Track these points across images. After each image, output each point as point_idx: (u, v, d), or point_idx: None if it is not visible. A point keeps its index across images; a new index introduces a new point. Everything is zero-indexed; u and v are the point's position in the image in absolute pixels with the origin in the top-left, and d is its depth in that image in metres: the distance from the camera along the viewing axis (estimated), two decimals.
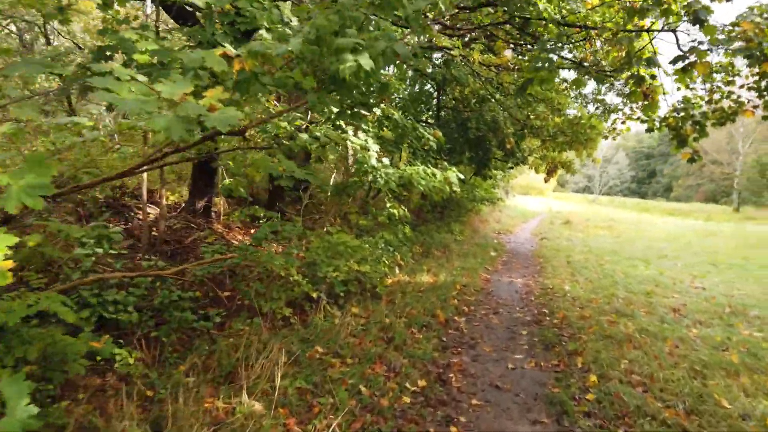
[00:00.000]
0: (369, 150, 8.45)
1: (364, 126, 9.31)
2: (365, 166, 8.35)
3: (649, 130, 7.37)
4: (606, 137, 8.26)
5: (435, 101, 15.12)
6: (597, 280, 9.83)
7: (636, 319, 6.69)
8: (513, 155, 14.44)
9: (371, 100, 4.73)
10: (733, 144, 47.82)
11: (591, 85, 11.55)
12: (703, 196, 62.97)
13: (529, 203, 38.14)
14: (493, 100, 12.33)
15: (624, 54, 4.87)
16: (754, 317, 7.19)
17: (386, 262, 8.90)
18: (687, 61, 3.54)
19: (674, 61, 3.62)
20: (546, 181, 16.09)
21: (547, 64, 3.96)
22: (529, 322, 6.83)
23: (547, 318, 6.92)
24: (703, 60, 3.47)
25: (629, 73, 4.53)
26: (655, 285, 9.72)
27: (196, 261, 5.40)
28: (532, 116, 12.11)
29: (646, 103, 5.10)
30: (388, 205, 9.61)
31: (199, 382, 3.80)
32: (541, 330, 6.33)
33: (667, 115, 7.19)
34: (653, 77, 4.85)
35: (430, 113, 15.51)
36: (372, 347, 5.06)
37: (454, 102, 13.83)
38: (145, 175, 6.48)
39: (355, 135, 8.53)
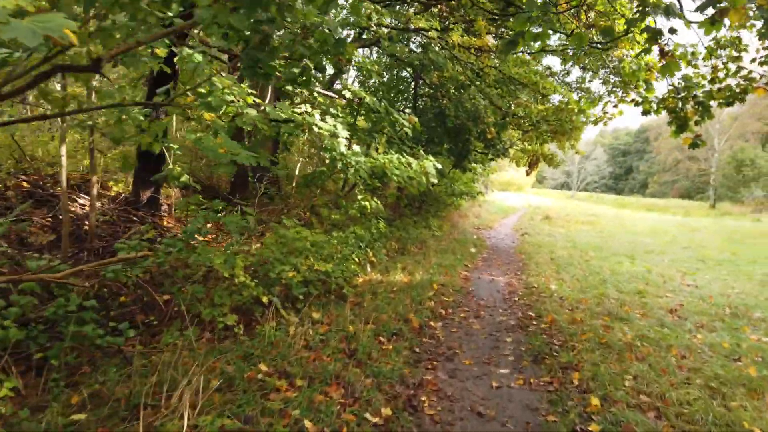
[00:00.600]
0: (338, 136, 7.61)
1: (332, 110, 8.43)
2: (333, 153, 7.48)
3: (646, 112, 6.64)
4: (596, 122, 7.56)
5: (412, 90, 14.30)
6: (584, 278, 9.12)
7: (633, 323, 5.96)
8: (494, 146, 13.69)
9: (324, 60, 3.85)
10: (709, 140, 48.11)
11: (575, 73, 10.81)
12: (678, 192, 63.62)
13: (508, 199, 37.67)
14: (473, 87, 11.55)
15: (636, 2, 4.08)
16: (759, 320, 6.54)
17: (356, 259, 8.04)
18: (718, 7, 2.78)
19: (702, 8, 2.86)
20: (527, 174, 15.43)
21: (542, 14, 3.15)
22: (513, 327, 6.05)
23: (534, 322, 6.14)
24: (739, 5, 2.72)
25: (641, 27, 3.74)
26: (645, 283, 9.07)
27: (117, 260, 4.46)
28: (514, 104, 11.38)
29: (663, 63, 4.34)
30: (359, 197, 8.73)
31: (89, 422, 2.89)
32: (528, 337, 5.55)
33: (666, 96, 6.48)
34: (672, 31, 4.09)
35: (408, 102, 14.68)
36: (330, 363, 4.19)
37: (431, 90, 13.01)
38: (64, 158, 5.48)
39: (323, 119, 7.67)
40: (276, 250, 5.70)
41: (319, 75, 7.95)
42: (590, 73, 12.86)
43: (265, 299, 5.08)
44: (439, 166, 8.70)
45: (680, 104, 6.31)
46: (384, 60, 14.46)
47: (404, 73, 15.30)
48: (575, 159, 61.13)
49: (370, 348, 4.66)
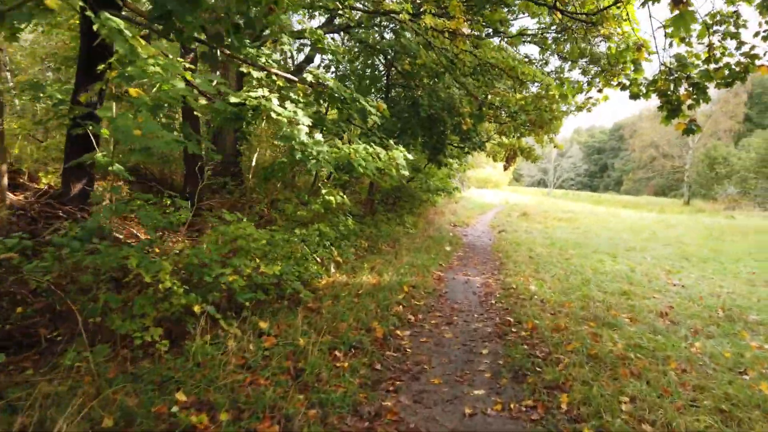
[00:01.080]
0: (298, 123, 6.82)
1: (293, 95, 7.64)
2: (293, 142, 6.69)
3: (634, 96, 6.01)
4: (579, 109, 6.94)
5: (385, 79, 13.56)
6: (565, 278, 8.52)
7: (622, 330, 5.34)
8: (469, 140, 13.04)
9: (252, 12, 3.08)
10: (683, 137, 48.58)
11: (554, 63, 10.20)
12: (652, 189, 64.34)
13: (486, 196, 37.26)
14: (447, 75, 10.86)
15: None
16: (755, 323, 5.99)
17: (318, 259, 7.28)
18: None
19: None
20: (505, 168, 14.87)
21: None
22: (490, 335, 5.36)
23: (513, 329, 5.46)
24: None
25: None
26: (629, 283, 8.52)
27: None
28: (491, 94, 10.73)
29: (676, 13, 3.68)
30: (323, 191, 7.94)
31: None
32: (507, 347, 4.86)
33: (657, 77, 5.87)
34: None
35: (380, 93, 13.94)
36: (268, 388, 3.43)
37: (404, 79, 12.30)
38: None
39: (282, 105, 6.87)
40: (214, 250, 4.89)
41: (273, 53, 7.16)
42: (569, 63, 12.30)
43: (197, 308, 4.27)
44: (410, 157, 7.97)
45: (672, 86, 5.70)
46: (355, 49, 13.68)
47: (377, 63, 14.56)
48: (552, 156, 61.27)
49: (320, 366, 3.91)
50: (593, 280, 8.44)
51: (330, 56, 12.07)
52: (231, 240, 5.08)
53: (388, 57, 12.38)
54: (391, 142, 8.20)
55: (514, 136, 14.65)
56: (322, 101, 8.15)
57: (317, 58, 14.49)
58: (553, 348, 4.69)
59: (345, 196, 7.94)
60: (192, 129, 9.62)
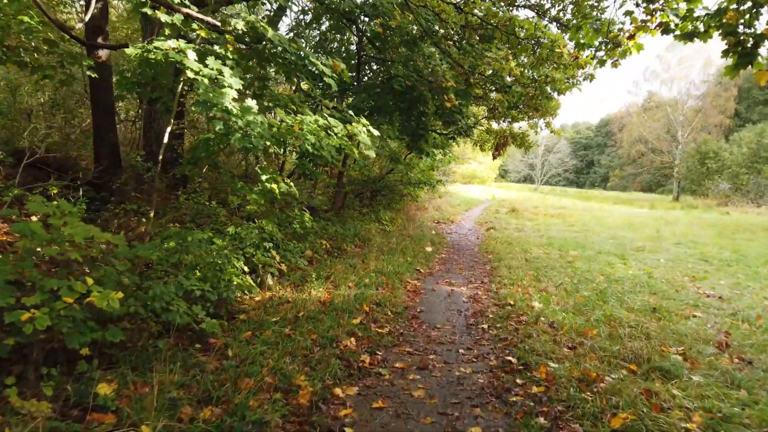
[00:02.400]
0: (223, 86, 4.93)
1: (218, 47, 5.69)
2: (215, 110, 4.78)
3: (687, 36, 4.19)
4: (602, 63, 5.14)
5: (356, 56, 11.65)
6: (575, 289, 6.72)
7: (683, 381, 3.51)
8: (454, 123, 11.15)
9: None
10: (672, 132, 47.43)
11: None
12: (639, 185, 63.29)
13: (471, 191, 35.51)
14: (427, 39, 9.00)
15: None
16: None
17: (245, 270, 5.36)
18: None
19: None
20: (494, 157, 13.10)
21: None
22: (484, 391, 3.49)
23: (519, 381, 3.61)
24: None
25: None
26: (652, 293, 6.76)
27: None
28: (481, 63, 8.87)
29: None
30: (262, 177, 5.98)
31: None
32: (513, 421, 3.00)
33: (722, 6, 4.05)
34: None
35: (350, 70, 12.01)
36: None
37: (377, 50, 10.42)
38: None
39: (202, 61, 4.98)
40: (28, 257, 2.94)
41: None
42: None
43: None
44: (376, 133, 6.09)
45: (748, 18, 3.90)
46: (320, 13, 11.72)
47: (345, 36, 12.65)
48: (539, 152, 59.74)
49: None
50: (609, 291, 6.65)
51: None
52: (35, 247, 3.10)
53: (358, 24, 10.48)
54: (350, 112, 6.29)
55: (505, 121, 12.85)
56: (258, 59, 6.19)
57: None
58: (591, 423, 2.84)
59: (291, 185, 5.99)
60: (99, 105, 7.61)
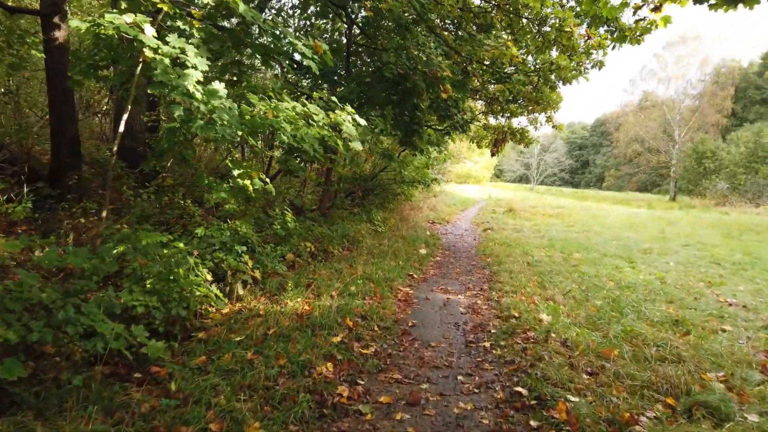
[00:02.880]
0: (187, 66, 4.25)
1: (180, 23, 4.98)
2: (174, 94, 4.08)
3: (731, 1, 3.51)
4: (622, 39, 4.46)
5: (345, 42, 10.93)
6: (584, 297, 6.04)
7: (742, 425, 2.82)
8: (450, 117, 10.44)
9: None
10: (669, 131, 46.97)
11: None
12: (635, 185, 62.85)
13: (467, 190, 34.85)
14: (422, 23, 8.30)
15: None
16: None
17: (208, 278, 4.65)
18: None
19: None
20: (493, 154, 12.43)
21: None
22: None
23: (533, 422, 2.91)
24: None
25: None
26: (668, 302, 6.10)
27: None
28: (480, 50, 8.17)
29: None
30: (234, 172, 5.24)
31: None
32: None
33: None
34: None
35: (340, 60, 11.31)
36: None
37: (367, 37, 9.73)
38: None
39: (162, 38, 4.27)
40: None
41: None
42: None
43: None
44: (362, 122, 5.39)
45: None
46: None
47: (336, 25, 11.95)
48: (535, 151, 59.19)
49: None
50: (622, 299, 5.97)
51: None
52: None
53: (347, 9, 9.76)
54: (333, 99, 5.59)
55: (503, 116, 12.17)
56: (232, 41, 5.48)
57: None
58: None
59: (266, 180, 5.26)
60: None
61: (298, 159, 9.03)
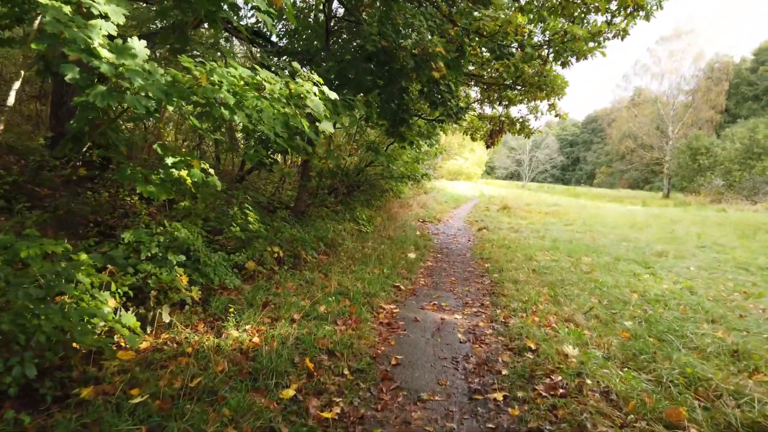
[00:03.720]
0: (95, 16, 3.02)
1: None
2: (69, 50, 2.78)
3: None
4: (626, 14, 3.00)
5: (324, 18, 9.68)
6: (610, 317, 4.88)
7: None
8: (443, 104, 9.21)
9: None
10: (662, 127, 46.21)
11: None
12: (627, 182, 62.20)
13: (458, 187, 33.69)
14: None
15: None
16: None
17: (111, 303, 3.41)
18: None
19: None
20: (488, 146, 11.30)
21: None
22: None
23: None
24: None
25: None
26: (709, 321, 4.98)
27: None
28: (476, 21, 7.01)
29: None
30: (168, 160, 3.96)
31: None
32: None
33: None
34: None
35: (319, 39, 10.06)
36: None
37: (346, 6, 8.52)
38: None
39: None
40: None
41: None
42: None
43: None
44: (333, 95, 4.18)
45: None
46: None
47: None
48: (527, 148, 58.30)
49: None
50: (656, 319, 4.82)
51: None
52: None
53: None
54: (296, 64, 4.37)
55: (500, 104, 11.00)
56: None
57: None
58: None
59: (209, 172, 4.00)
60: None
61: (269, 149, 7.80)
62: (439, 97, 8.84)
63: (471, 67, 10.17)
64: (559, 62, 6.71)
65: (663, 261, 8.72)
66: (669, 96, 45.95)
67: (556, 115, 10.00)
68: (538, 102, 10.56)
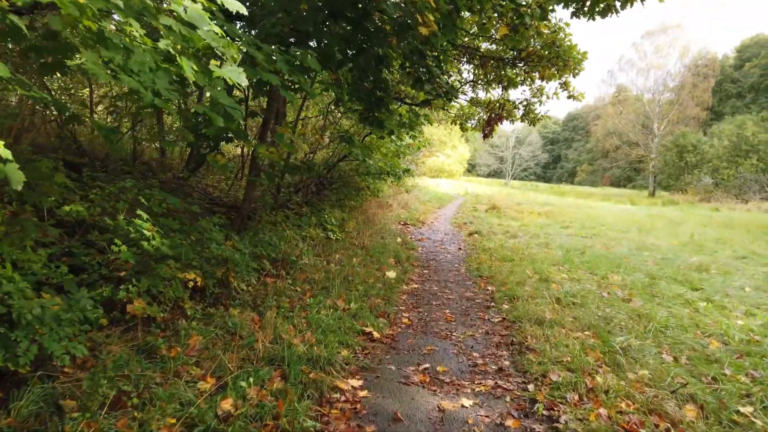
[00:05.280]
0: None
1: None
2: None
3: None
4: None
5: None
6: (709, 393, 2.99)
7: None
8: (430, 79, 7.19)
9: None
10: (648, 124, 45.10)
11: None
12: (609, 180, 61.24)
13: (441, 185, 31.79)
14: None
15: None
16: None
17: None
18: None
19: None
20: (485, 137, 9.39)
21: None
22: None
23: None
24: None
25: None
26: None
27: None
28: None
29: None
30: None
31: None
32: None
33: None
34: None
35: None
36: None
37: None
38: None
39: None
40: None
41: None
42: None
43: None
44: (239, 8, 2.14)
45: None
46: None
47: None
48: (510, 145, 56.77)
49: None
50: None
51: None
52: None
53: None
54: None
55: (500, 83, 9.07)
56: None
57: None
58: None
59: (11, 158, 1.98)
60: None
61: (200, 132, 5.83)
62: (425, 71, 6.79)
63: (465, 39, 8.24)
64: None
65: (708, 279, 6.90)
66: (655, 92, 44.83)
67: (569, 97, 8.12)
68: (544, 83, 8.66)
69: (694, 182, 36.78)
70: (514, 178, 59.37)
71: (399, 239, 9.50)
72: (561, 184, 60.21)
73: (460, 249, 9.54)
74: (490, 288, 6.03)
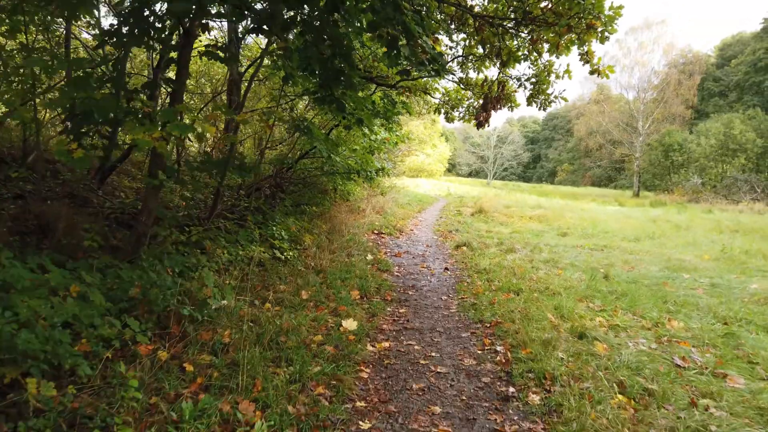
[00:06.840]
0: None
1: None
2: None
3: None
4: None
5: None
6: None
7: None
8: (410, 38, 5.05)
9: None
10: (632, 122, 43.85)
11: None
12: (590, 180, 60.09)
13: (421, 185, 29.72)
14: None
15: None
16: None
17: None
18: None
19: None
20: (480, 124, 7.28)
21: None
22: None
23: None
24: None
25: None
26: None
27: None
28: None
29: None
30: None
31: None
32: None
33: None
34: None
35: None
36: None
37: None
38: None
39: None
40: None
41: None
42: None
43: None
44: None
45: None
46: None
47: None
48: (491, 143, 55.11)
49: None
50: None
51: None
52: None
53: None
54: None
55: (497, 57, 7.01)
56: None
57: None
58: None
59: None
60: None
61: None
62: (401, 30, 4.61)
63: None
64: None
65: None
66: (639, 89, 43.59)
67: (592, 71, 6.11)
68: (554, 58, 6.63)
69: (682, 182, 35.51)
70: (496, 178, 57.82)
71: (369, 256, 7.40)
72: (542, 184, 58.86)
73: (446, 269, 7.47)
74: (499, 348, 3.95)
